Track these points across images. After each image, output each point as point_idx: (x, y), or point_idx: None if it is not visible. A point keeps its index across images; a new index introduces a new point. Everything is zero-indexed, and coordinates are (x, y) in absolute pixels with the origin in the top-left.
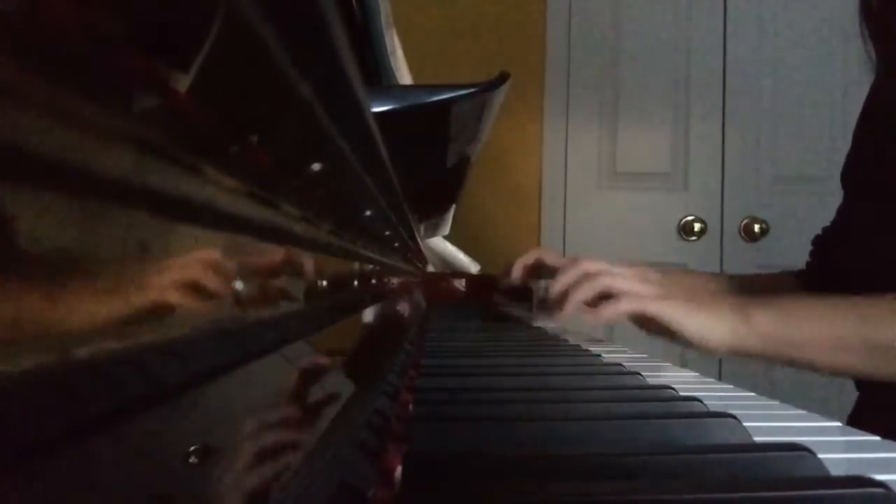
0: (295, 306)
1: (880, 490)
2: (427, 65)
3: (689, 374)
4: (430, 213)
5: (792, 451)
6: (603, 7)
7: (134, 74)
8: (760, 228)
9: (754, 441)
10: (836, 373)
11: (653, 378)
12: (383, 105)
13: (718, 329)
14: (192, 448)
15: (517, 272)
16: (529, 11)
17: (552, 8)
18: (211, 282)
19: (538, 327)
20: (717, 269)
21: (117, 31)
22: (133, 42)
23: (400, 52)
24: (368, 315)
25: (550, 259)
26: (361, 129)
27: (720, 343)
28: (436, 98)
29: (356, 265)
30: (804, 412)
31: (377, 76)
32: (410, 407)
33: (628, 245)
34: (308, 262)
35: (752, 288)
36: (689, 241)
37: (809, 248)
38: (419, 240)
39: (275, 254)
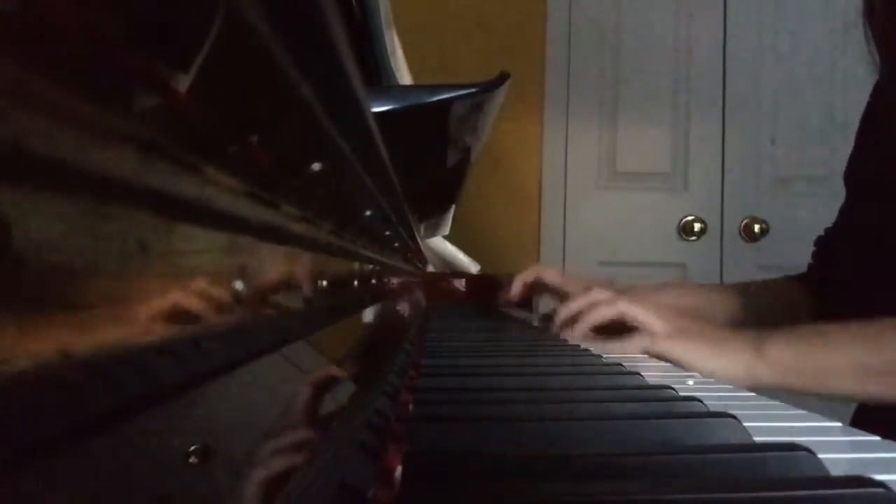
0: (295, 306)
1: (880, 490)
2: (427, 65)
3: (688, 374)
4: (430, 213)
5: (792, 451)
6: (603, 7)
7: (134, 74)
8: (760, 229)
9: (754, 441)
10: (856, 400)
11: (653, 378)
12: (383, 105)
13: (732, 367)
14: (192, 448)
15: (517, 289)
16: (529, 11)
17: (552, 8)
18: (210, 281)
19: (538, 327)
20: (717, 270)
21: (117, 31)
22: (133, 42)
23: (400, 52)
24: (368, 315)
25: (550, 277)
26: (361, 130)
27: (734, 379)
28: (436, 98)
29: (356, 265)
30: (804, 412)
31: (377, 76)
32: (410, 407)
33: (628, 245)
34: (308, 262)
35: (757, 301)
36: (689, 241)
37: (810, 248)
38: (419, 240)
39: (275, 254)
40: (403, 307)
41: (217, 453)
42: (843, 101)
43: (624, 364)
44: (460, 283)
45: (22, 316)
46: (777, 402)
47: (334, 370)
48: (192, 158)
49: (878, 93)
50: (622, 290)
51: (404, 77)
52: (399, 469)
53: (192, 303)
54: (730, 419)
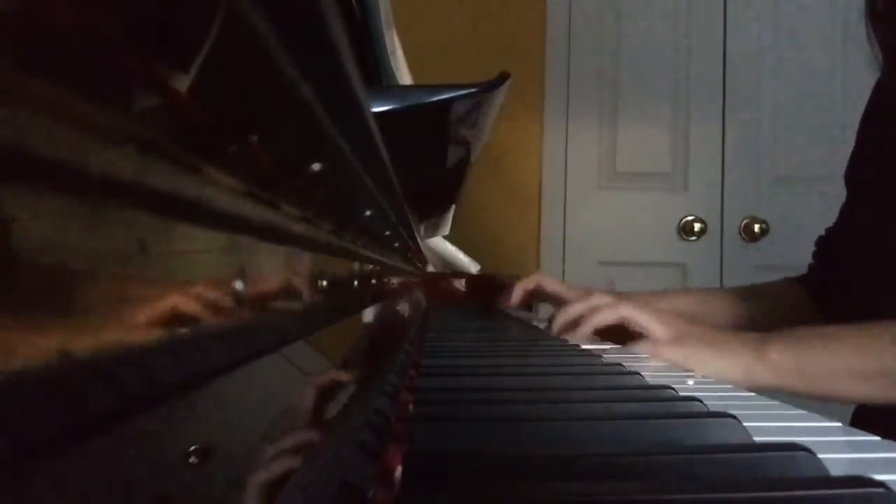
0: (295, 306)
1: (880, 490)
2: (427, 65)
3: (688, 374)
4: (430, 213)
5: (792, 451)
6: (603, 7)
7: (134, 74)
8: (760, 228)
9: (754, 441)
10: (856, 402)
11: (653, 378)
12: (383, 105)
13: (732, 370)
14: (192, 448)
15: (517, 296)
16: (529, 11)
17: (552, 8)
18: (210, 281)
19: (538, 327)
20: (717, 270)
21: (117, 31)
22: (133, 42)
23: (400, 52)
24: (368, 315)
25: (550, 286)
26: (361, 130)
27: (734, 382)
28: (436, 98)
29: (356, 265)
30: (804, 412)
31: (377, 76)
32: (410, 407)
33: (628, 245)
34: (308, 262)
35: (757, 304)
36: (689, 241)
37: (809, 248)
38: (419, 240)
39: (275, 254)
40: (403, 307)
41: (217, 453)
42: (843, 100)
43: (624, 364)
44: (460, 284)
45: (22, 316)
46: (777, 403)
47: (334, 370)
48: (193, 158)
49: (878, 92)
50: (622, 297)
51: (404, 77)
52: (399, 469)
53: (191, 303)
54: (730, 419)
